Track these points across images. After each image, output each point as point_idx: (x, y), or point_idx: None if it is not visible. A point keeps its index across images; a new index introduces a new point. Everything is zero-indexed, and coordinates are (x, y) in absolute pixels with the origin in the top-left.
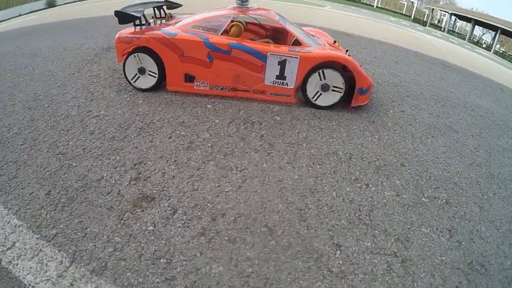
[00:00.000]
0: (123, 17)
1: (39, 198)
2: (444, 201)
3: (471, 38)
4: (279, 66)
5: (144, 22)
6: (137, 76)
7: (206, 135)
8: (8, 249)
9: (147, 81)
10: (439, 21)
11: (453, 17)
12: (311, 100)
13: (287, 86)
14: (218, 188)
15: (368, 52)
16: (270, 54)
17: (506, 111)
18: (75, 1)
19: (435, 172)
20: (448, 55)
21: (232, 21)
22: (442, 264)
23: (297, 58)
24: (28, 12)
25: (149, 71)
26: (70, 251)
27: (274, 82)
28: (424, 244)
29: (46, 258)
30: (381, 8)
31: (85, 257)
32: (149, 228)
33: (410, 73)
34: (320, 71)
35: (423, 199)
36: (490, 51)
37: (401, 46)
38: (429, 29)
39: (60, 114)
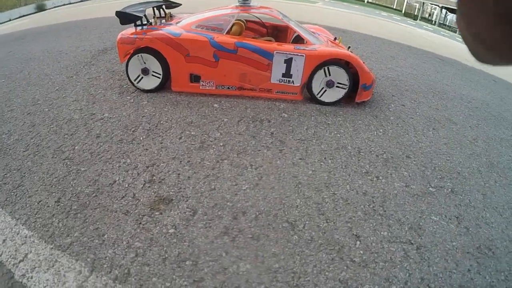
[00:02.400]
0: (125, 18)
1: (48, 206)
2: (450, 190)
3: None
4: (285, 64)
5: (146, 22)
6: (140, 77)
7: (217, 134)
8: (20, 261)
9: (150, 82)
10: (429, 15)
11: (444, 10)
12: (316, 96)
13: (293, 84)
14: (235, 187)
15: (364, 47)
16: (277, 52)
17: (501, 102)
18: (64, 4)
19: (439, 163)
20: (441, 48)
21: None
22: (454, 249)
23: (303, 56)
24: (18, 17)
25: (153, 71)
26: (88, 259)
27: (281, 80)
28: (435, 231)
29: (63, 269)
30: (372, 3)
31: (105, 265)
32: (170, 231)
33: (406, 67)
34: (325, 68)
35: (430, 188)
36: None
37: (394, 41)
38: (420, 22)
39: (62, 118)
